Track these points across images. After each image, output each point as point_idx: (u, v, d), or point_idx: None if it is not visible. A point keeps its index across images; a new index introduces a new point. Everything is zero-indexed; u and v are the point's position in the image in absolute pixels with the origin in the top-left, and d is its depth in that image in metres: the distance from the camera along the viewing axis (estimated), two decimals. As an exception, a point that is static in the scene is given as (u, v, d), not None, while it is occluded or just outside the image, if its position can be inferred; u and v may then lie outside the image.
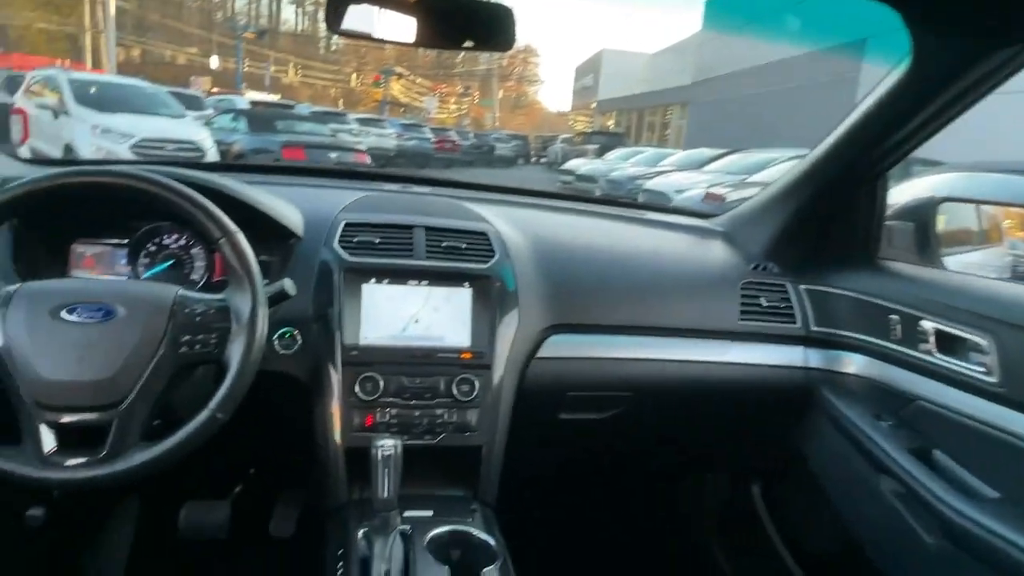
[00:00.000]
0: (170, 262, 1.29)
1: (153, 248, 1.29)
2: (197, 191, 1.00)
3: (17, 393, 0.88)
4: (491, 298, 1.27)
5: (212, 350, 0.96)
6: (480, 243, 1.34)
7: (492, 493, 1.24)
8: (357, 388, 1.18)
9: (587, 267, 1.44)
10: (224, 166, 1.71)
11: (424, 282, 1.26)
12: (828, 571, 1.52)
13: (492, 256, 1.31)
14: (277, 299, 1.08)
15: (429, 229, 1.33)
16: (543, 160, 21.72)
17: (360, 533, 1.07)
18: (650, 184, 9.56)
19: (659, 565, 1.69)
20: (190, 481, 1.62)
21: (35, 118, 7.92)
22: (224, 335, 0.97)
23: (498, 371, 1.25)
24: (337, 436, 1.18)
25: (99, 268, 1.28)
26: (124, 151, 7.61)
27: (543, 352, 1.33)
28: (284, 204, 1.31)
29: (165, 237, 1.30)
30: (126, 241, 1.28)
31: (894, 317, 1.33)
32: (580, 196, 1.89)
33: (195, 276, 1.30)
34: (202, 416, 0.94)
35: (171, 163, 1.77)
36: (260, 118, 10.67)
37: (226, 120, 10.98)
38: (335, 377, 1.18)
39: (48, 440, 0.89)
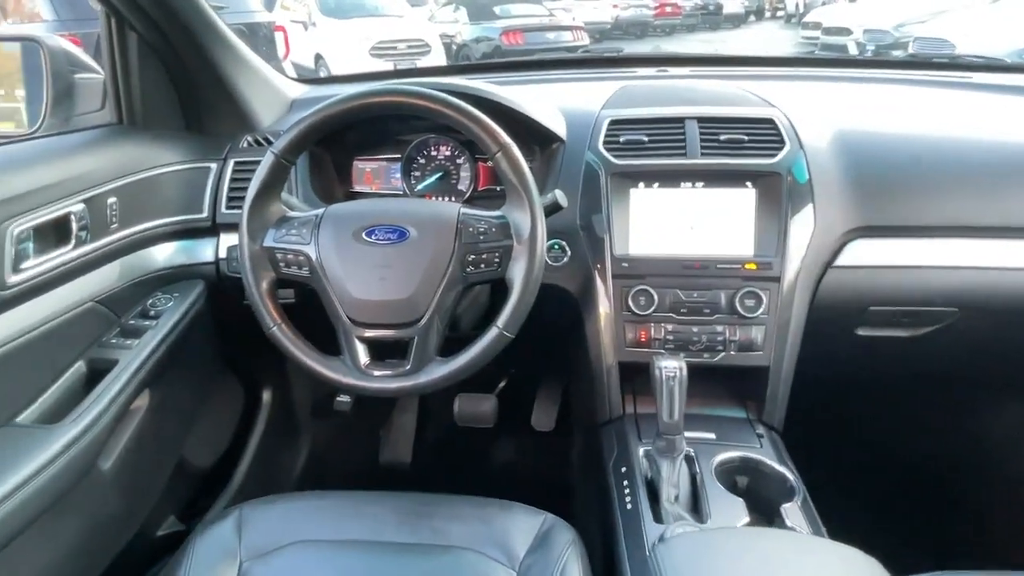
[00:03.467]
0: (439, 174, 1.31)
1: (423, 160, 1.31)
2: (468, 102, 0.95)
3: (335, 308, 0.96)
4: (780, 199, 1.10)
5: (496, 269, 0.95)
6: (766, 133, 1.14)
7: (779, 417, 1.13)
8: (630, 302, 1.12)
9: (900, 154, 1.17)
10: (471, 67, 1.66)
11: (700, 184, 1.13)
12: None
13: (781, 148, 1.12)
14: (550, 212, 1.03)
15: (703, 120, 1.17)
16: (779, 14, 18.88)
17: (642, 451, 1.04)
18: (924, 29, 7.80)
19: (972, 502, 1.46)
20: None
21: (290, 32, 8.79)
22: (507, 253, 0.95)
23: (788, 283, 1.09)
24: (610, 351, 1.14)
25: (377, 182, 1.35)
26: (364, 55, 8.18)
27: (842, 260, 1.14)
28: (545, 106, 1.23)
29: (432, 149, 1.31)
30: (399, 156, 1.31)
31: None
32: (881, 60, 1.53)
33: (462, 186, 1.31)
34: (491, 333, 0.94)
35: (415, 70, 1.78)
36: (479, 6, 10.70)
37: (448, 12, 11.20)
38: (606, 290, 1.13)
39: (362, 354, 0.97)
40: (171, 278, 1.23)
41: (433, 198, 1.31)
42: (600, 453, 1.12)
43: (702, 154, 1.13)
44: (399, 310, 0.95)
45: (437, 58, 8.84)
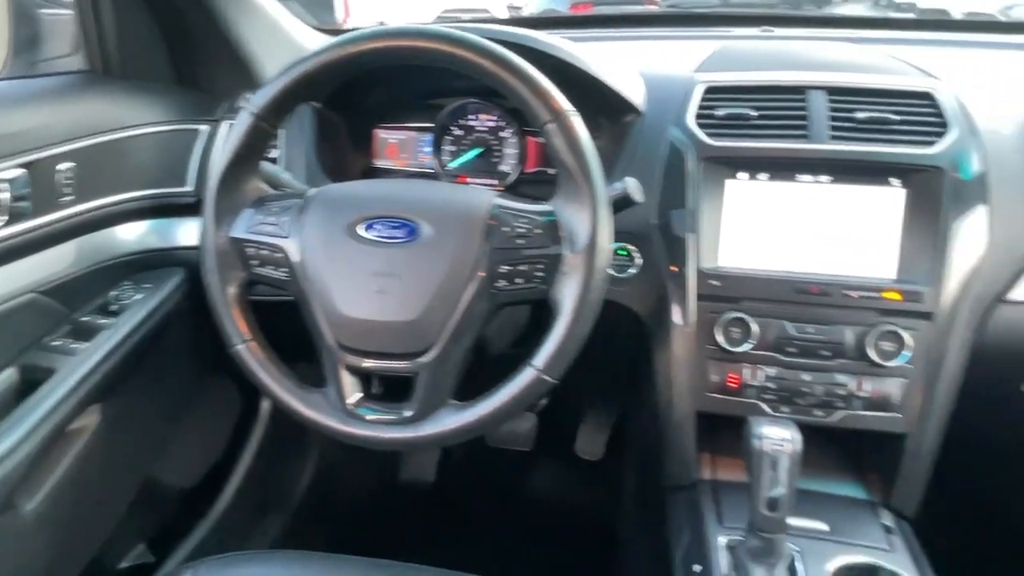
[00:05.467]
0: (478, 151, 1.04)
1: (459, 132, 1.05)
2: (516, 54, 0.68)
3: (318, 327, 0.72)
4: (940, 203, 0.78)
5: (538, 285, 0.69)
6: (923, 112, 0.83)
7: (913, 502, 0.83)
8: (719, 333, 0.83)
9: None
10: (534, 20, 1.37)
11: (825, 177, 0.82)
12: None
13: (944, 133, 0.81)
14: (618, 207, 0.76)
15: (834, 92, 0.86)
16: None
17: (724, 542, 0.76)
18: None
19: None
20: None
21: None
22: (554, 264, 0.68)
23: (943, 321, 0.79)
24: (685, 396, 0.86)
25: (403, 156, 1.09)
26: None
27: (1021, 291, 0.82)
28: (620, 67, 0.95)
29: (471, 118, 1.04)
30: (430, 125, 1.05)
31: None
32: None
33: (505, 167, 1.04)
34: (526, 376, 0.68)
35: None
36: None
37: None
38: (686, 315, 0.84)
39: (351, 388, 0.72)
40: (142, 265, 1.00)
41: (469, 180, 1.05)
42: (665, 536, 0.84)
43: (831, 138, 0.82)
44: (402, 336, 0.69)
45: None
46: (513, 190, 1.04)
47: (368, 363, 0.71)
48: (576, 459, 1.51)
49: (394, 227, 0.70)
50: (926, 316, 0.79)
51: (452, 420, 0.70)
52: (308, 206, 0.73)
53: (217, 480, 1.23)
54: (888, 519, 0.81)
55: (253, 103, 0.72)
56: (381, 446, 0.72)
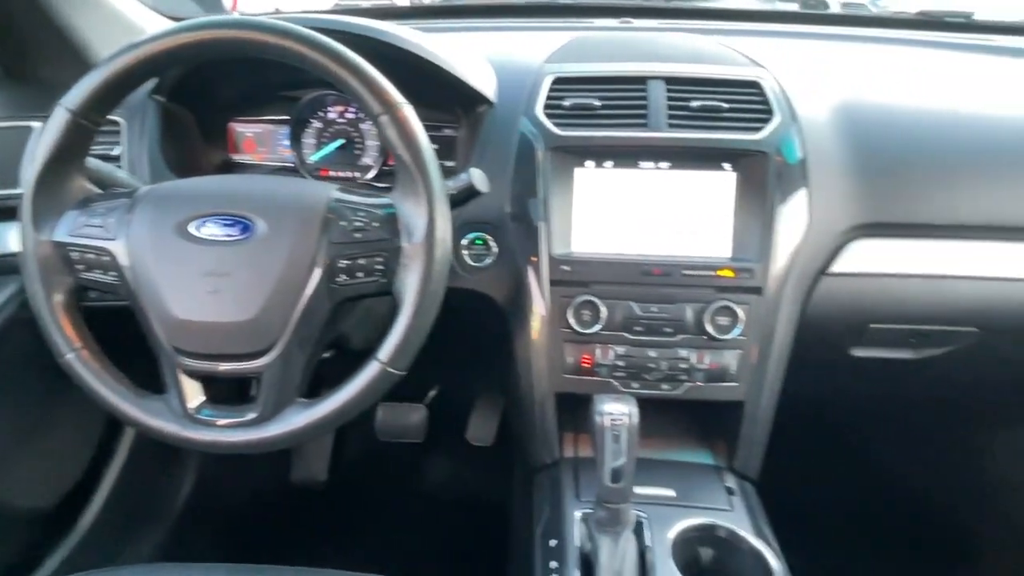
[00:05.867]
0: (339, 143, 1.03)
1: (319, 124, 1.03)
2: (350, 45, 0.68)
3: (153, 332, 0.69)
4: (767, 186, 0.84)
5: (378, 279, 0.69)
6: (751, 100, 0.89)
7: (755, 463, 0.90)
8: (571, 316, 0.86)
9: (919, 132, 0.92)
10: (392, 11, 1.36)
11: (665, 164, 0.87)
12: None
13: (769, 119, 0.87)
14: (463, 198, 0.77)
15: (672, 81, 0.90)
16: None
17: (578, 515, 0.79)
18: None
19: (977, 549, 1.26)
20: None
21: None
22: (394, 257, 0.68)
23: (772, 296, 0.85)
24: (544, 378, 0.89)
25: (261, 150, 1.06)
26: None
27: (840, 265, 0.89)
28: (469, 57, 0.96)
29: (330, 110, 1.02)
30: (287, 118, 1.03)
31: None
32: (892, 18, 1.27)
33: (368, 159, 1.03)
34: (370, 369, 0.68)
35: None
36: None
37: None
38: (541, 300, 0.87)
39: (193, 393, 0.70)
40: None
41: (331, 174, 1.04)
42: (529, 512, 0.87)
43: (669, 126, 0.87)
44: (241, 336, 0.68)
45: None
46: (378, 182, 1.03)
47: (207, 366, 0.69)
48: (469, 446, 1.53)
49: (227, 225, 0.68)
50: (756, 291, 0.85)
51: (299, 419, 0.69)
52: (136, 205, 0.70)
53: (82, 495, 1.17)
54: (732, 481, 0.87)
55: (68, 99, 0.68)
56: (226, 450, 0.70)
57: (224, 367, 0.69)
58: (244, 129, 1.05)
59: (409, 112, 0.68)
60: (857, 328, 0.93)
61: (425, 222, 0.67)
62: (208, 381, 0.71)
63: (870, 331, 0.93)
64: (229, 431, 0.69)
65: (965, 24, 1.25)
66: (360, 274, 0.69)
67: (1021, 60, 1.12)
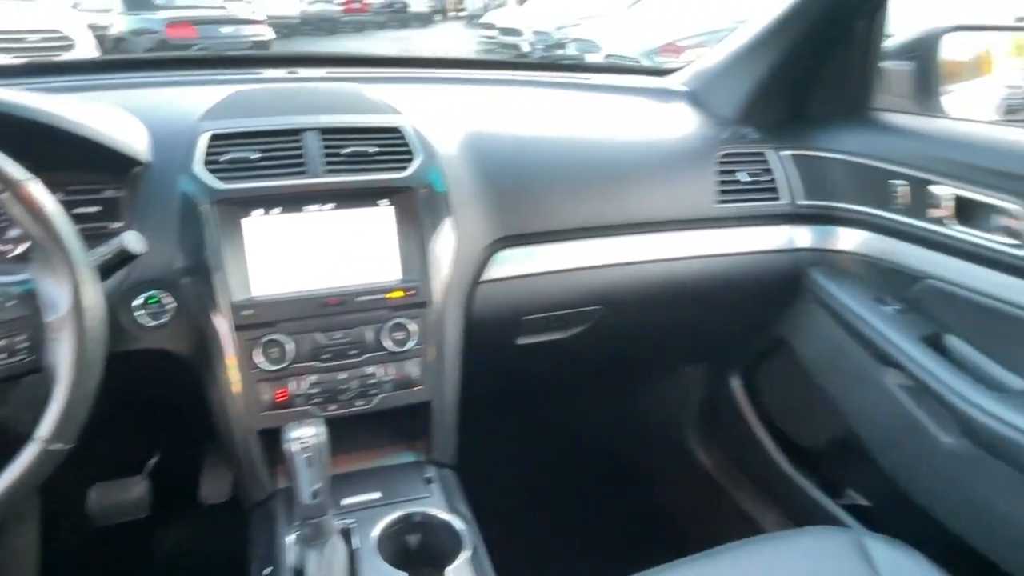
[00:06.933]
0: None
1: None
2: None
3: None
4: (417, 215, 0.99)
5: (24, 357, 0.68)
6: (394, 143, 1.03)
7: (449, 452, 1.04)
8: (259, 357, 0.92)
9: (530, 158, 1.16)
10: (47, 67, 1.27)
11: (328, 205, 0.97)
12: (819, 459, 1.42)
13: (411, 159, 1.01)
14: (117, 263, 0.78)
15: (325, 132, 1.01)
16: (462, 14, 19.95)
17: (289, 539, 0.85)
18: (578, 31, 8.77)
19: (638, 473, 1.57)
20: (92, 462, 1.36)
21: None
22: (38, 333, 0.68)
23: (437, 307, 1.00)
24: (243, 418, 0.93)
25: None
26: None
27: (490, 273, 1.08)
28: (112, 117, 0.96)
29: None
30: None
31: (897, 182, 1.12)
32: (512, 62, 1.54)
33: (12, 234, 0.96)
34: (30, 450, 0.67)
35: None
36: (136, -9, 9.29)
37: (96, -1, 9.52)
38: (228, 347, 0.91)
39: None
40: None
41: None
42: (247, 551, 0.91)
43: (326, 171, 0.97)
44: None
45: (87, 55, 7.41)
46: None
47: None
48: (203, 507, 1.47)
49: None
50: (423, 305, 0.99)
51: None
52: None
53: None
54: (432, 472, 1.00)
55: None
56: None
57: None
58: None
59: (33, 187, 0.68)
60: (514, 321, 1.13)
61: (69, 293, 0.68)
62: None
63: (525, 322, 1.14)
64: None
65: (573, 65, 1.57)
66: (3, 355, 0.67)
67: (612, 95, 1.44)
